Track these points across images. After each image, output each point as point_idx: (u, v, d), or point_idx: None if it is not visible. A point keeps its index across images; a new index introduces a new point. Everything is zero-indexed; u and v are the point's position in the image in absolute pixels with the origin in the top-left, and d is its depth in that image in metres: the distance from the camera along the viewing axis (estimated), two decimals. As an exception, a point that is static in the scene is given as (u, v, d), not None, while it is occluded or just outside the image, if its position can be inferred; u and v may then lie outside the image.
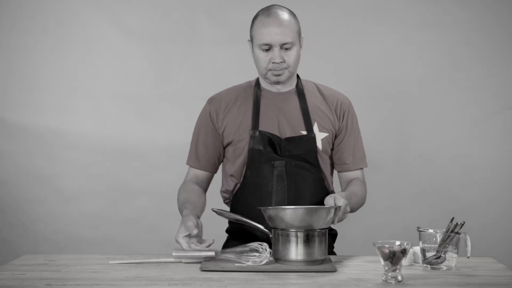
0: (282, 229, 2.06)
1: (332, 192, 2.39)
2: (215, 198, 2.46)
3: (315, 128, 2.31)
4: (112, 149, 3.62)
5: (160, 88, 3.63)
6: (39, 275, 1.91)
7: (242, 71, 3.57)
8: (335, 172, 2.45)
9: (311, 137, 2.29)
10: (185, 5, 3.62)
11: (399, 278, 1.85)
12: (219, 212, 2.17)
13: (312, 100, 2.35)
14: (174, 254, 2.05)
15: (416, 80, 3.62)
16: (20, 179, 3.60)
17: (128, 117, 3.62)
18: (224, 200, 2.45)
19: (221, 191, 2.44)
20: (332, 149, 2.37)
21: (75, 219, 3.61)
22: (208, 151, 2.38)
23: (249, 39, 2.33)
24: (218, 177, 2.48)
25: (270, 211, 2.03)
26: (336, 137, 2.36)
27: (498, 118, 3.62)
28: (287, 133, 2.30)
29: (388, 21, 3.62)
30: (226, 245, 2.40)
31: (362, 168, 2.42)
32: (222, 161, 2.43)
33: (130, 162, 3.62)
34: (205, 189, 2.43)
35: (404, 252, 1.84)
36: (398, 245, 1.88)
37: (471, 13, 3.61)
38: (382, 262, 1.86)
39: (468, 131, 3.63)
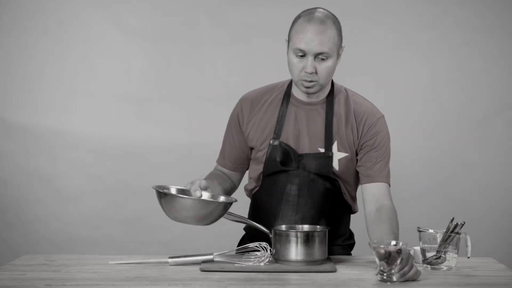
0: (282, 230, 2.07)
1: (351, 206, 2.33)
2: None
3: (334, 147, 2.24)
4: (112, 149, 3.62)
5: (160, 88, 3.63)
6: (39, 275, 1.91)
7: (242, 71, 3.60)
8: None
9: (327, 156, 2.23)
10: (185, 5, 3.62)
11: (394, 278, 1.84)
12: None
13: (339, 114, 2.26)
14: (169, 260, 2.05)
15: (416, 80, 3.62)
16: (20, 179, 3.60)
17: (128, 117, 3.62)
18: (247, 195, 2.41)
19: (244, 187, 2.41)
20: (357, 165, 2.28)
21: (75, 219, 3.61)
22: (232, 151, 2.35)
23: (287, 39, 2.22)
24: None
25: (162, 197, 2.01)
26: (357, 153, 2.27)
27: (498, 118, 3.62)
28: (305, 147, 2.24)
29: (388, 21, 3.62)
30: (242, 243, 2.38)
31: (386, 184, 2.27)
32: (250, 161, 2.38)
33: (130, 162, 3.62)
34: (233, 186, 2.40)
35: (399, 252, 1.84)
36: (394, 245, 1.88)
37: (471, 13, 3.60)
38: (378, 262, 1.86)
39: (468, 131, 3.62)
